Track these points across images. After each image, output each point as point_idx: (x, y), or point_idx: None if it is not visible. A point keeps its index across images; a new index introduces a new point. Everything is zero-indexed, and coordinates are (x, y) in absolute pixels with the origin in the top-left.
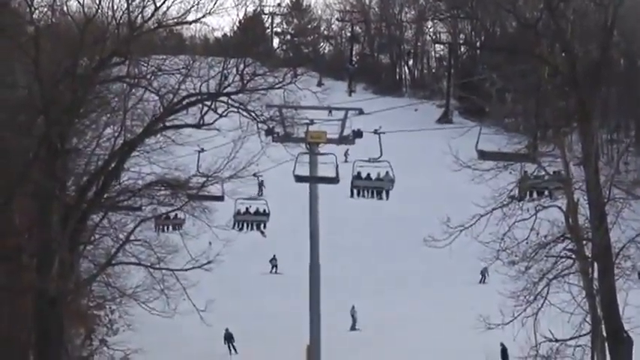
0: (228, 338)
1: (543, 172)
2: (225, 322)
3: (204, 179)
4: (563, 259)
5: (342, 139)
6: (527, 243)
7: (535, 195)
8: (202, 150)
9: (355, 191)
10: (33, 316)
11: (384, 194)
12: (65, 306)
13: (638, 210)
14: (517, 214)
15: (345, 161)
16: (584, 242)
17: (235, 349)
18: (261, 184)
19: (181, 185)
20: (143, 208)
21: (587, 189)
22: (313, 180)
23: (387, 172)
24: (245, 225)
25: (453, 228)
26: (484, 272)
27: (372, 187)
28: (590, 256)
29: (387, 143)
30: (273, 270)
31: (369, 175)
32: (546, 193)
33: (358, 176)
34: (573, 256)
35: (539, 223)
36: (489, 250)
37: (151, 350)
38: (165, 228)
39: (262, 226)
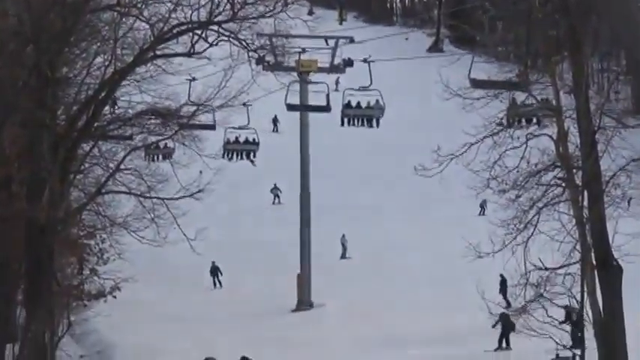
0: (214, 271)
1: (532, 100)
2: (215, 251)
3: (195, 108)
4: (554, 188)
5: (332, 68)
6: (517, 171)
7: (524, 123)
8: (194, 79)
9: (345, 119)
10: (23, 245)
11: (374, 122)
12: (55, 235)
13: (628, 138)
14: (507, 143)
15: (336, 90)
16: (575, 170)
17: (220, 283)
18: (275, 121)
19: (172, 114)
20: (134, 137)
21: (577, 117)
22: (305, 108)
23: (377, 101)
24: (235, 154)
25: (444, 156)
26: (483, 205)
27: (362, 115)
28: (580, 184)
29: (377, 72)
30: (276, 200)
31: (359, 103)
32: (534, 121)
33: (348, 105)
34: (563, 184)
35: (529, 152)
36: (480, 178)
37: (141, 279)
38: (155, 157)
39: (252, 154)
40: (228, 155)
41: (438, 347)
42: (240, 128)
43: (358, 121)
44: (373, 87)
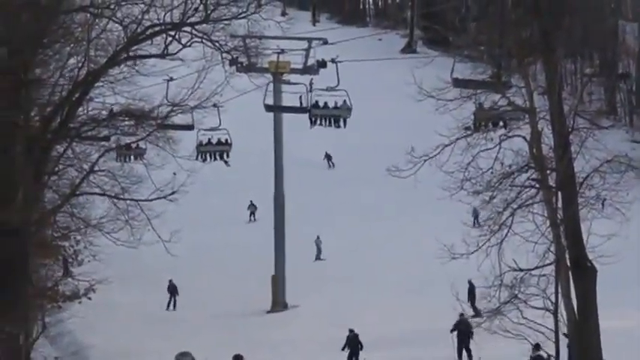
0: (172, 290)
1: (501, 103)
2: (190, 251)
3: (169, 109)
4: (528, 189)
5: (306, 69)
6: (491, 173)
7: (491, 126)
8: (171, 79)
9: (313, 119)
10: None
11: (341, 122)
12: (30, 236)
13: (602, 140)
14: (481, 144)
15: (310, 91)
16: (549, 172)
17: (175, 305)
18: (329, 157)
19: (146, 115)
20: (110, 138)
21: (551, 118)
22: (283, 109)
23: (344, 101)
24: (208, 155)
25: (417, 158)
26: (476, 213)
27: (330, 115)
28: (554, 185)
29: (350, 73)
30: (252, 218)
31: (326, 103)
32: (501, 124)
33: (316, 105)
34: (537, 185)
35: (503, 153)
36: (453, 179)
37: (115, 281)
38: (127, 158)
39: (225, 155)
40: (201, 157)
41: (410, 349)
42: (212, 130)
43: (326, 122)
44: (347, 88)
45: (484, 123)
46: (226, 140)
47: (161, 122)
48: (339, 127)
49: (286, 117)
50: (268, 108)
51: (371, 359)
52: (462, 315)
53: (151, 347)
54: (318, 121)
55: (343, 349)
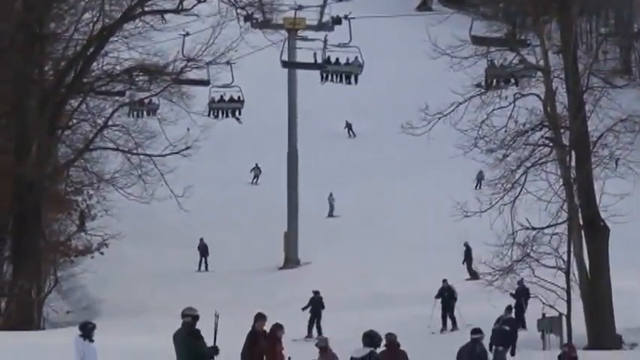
0: (203, 250)
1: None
2: (203, 208)
3: (183, 64)
4: (541, 147)
5: (320, 26)
6: (505, 131)
7: (502, 84)
8: (187, 34)
9: (324, 75)
10: (10, 201)
11: (352, 78)
12: (43, 191)
13: (616, 99)
14: (495, 102)
15: (325, 47)
16: (562, 130)
17: (207, 266)
18: (349, 126)
19: (160, 70)
20: (125, 93)
21: (565, 77)
22: (299, 66)
23: (355, 58)
24: (220, 112)
25: (431, 115)
26: (480, 178)
27: (341, 71)
28: (567, 144)
29: (365, 30)
30: (255, 180)
31: (337, 59)
32: (513, 82)
33: (327, 61)
34: (551, 144)
35: (517, 111)
36: (467, 137)
37: (128, 236)
38: (140, 113)
39: (237, 112)
40: (213, 114)
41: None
42: (224, 87)
43: (337, 78)
44: (361, 45)
45: (495, 80)
46: (239, 97)
47: (176, 77)
48: (349, 83)
49: (301, 79)
50: (284, 64)
51: (370, 315)
52: (444, 281)
53: (163, 302)
54: (330, 77)
55: (304, 310)
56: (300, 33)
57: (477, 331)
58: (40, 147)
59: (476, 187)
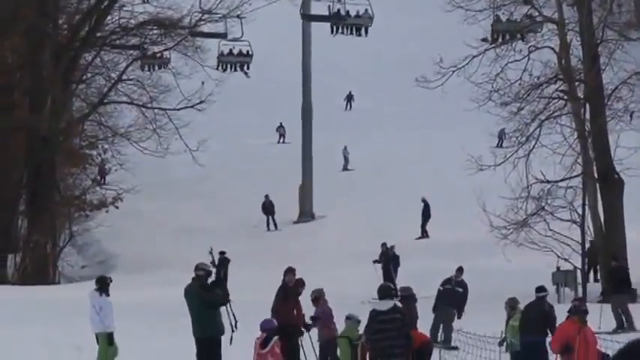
0: (268, 208)
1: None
2: (217, 162)
3: (197, 18)
4: (556, 100)
5: None
6: (519, 84)
7: (508, 38)
8: None
9: (335, 28)
10: (25, 155)
11: (362, 31)
12: (57, 145)
13: (630, 52)
14: (509, 56)
15: (339, 1)
16: (577, 83)
17: (275, 224)
18: (349, 98)
19: (174, 24)
20: (139, 46)
21: (580, 30)
22: (320, 19)
23: (365, 10)
24: (229, 66)
25: (446, 68)
26: (501, 135)
27: (351, 24)
28: (582, 97)
29: None
30: (281, 140)
31: (347, 12)
32: (519, 36)
33: (337, 14)
34: (565, 97)
35: (531, 64)
36: (481, 91)
37: (142, 190)
38: (152, 67)
39: (246, 66)
40: (222, 67)
41: (438, 260)
42: (234, 40)
43: (347, 30)
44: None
45: (502, 35)
46: (247, 52)
47: (191, 30)
48: (360, 35)
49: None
50: (305, 17)
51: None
52: (384, 244)
53: (178, 256)
54: (340, 29)
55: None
56: None
57: (541, 289)
58: (55, 101)
59: (498, 144)
